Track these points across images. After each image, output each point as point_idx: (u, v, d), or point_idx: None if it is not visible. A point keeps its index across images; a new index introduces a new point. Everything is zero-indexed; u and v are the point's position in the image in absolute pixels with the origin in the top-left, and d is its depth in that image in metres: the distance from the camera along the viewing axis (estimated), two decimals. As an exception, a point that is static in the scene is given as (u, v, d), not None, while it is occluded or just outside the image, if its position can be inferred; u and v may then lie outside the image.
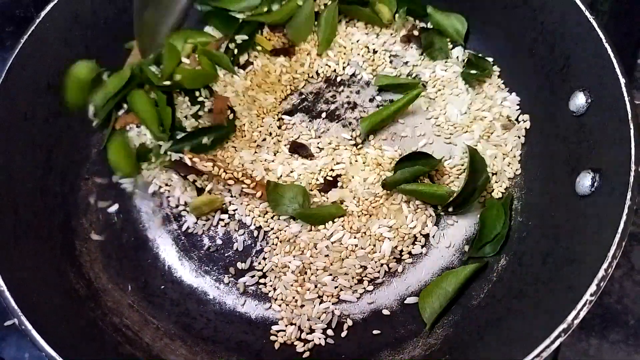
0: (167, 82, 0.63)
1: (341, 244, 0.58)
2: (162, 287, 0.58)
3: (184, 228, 0.61)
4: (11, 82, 0.55)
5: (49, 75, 0.59)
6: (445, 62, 0.66)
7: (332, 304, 0.56)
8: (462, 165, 0.60)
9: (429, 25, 0.69)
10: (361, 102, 0.66)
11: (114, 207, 0.61)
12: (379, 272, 0.57)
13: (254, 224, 0.60)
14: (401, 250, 0.58)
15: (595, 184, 0.48)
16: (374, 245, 0.57)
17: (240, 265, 0.59)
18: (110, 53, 0.65)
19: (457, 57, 0.66)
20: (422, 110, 0.64)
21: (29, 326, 0.43)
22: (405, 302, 0.56)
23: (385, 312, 0.56)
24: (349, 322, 0.55)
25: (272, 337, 0.55)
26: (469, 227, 0.59)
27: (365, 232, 0.58)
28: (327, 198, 0.60)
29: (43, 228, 0.55)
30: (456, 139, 0.62)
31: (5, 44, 0.76)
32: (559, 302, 0.43)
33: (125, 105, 0.64)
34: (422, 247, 0.58)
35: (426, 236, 0.58)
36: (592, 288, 0.42)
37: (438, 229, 0.59)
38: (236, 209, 0.61)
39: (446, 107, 0.64)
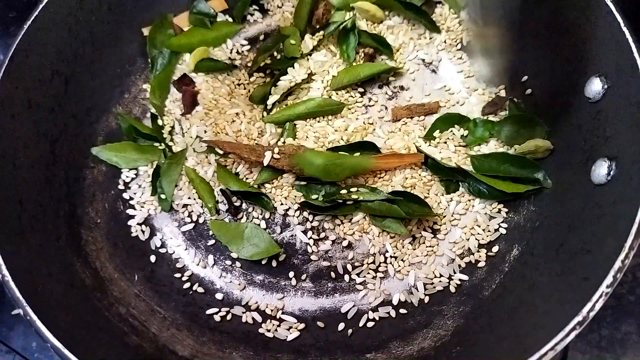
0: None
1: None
2: (169, 276, 0.58)
3: (191, 217, 0.61)
4: (15, 69, 0.54)
5: (53, 62, 0.59)
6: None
7: (340, 295, 0.56)
8: None
9: None
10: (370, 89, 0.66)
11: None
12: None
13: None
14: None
15: (611, 172, 0.47)
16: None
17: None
18: (114, 40, 0.65)
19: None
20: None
21: (34, 317, 0.43)
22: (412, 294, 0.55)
23: (395, 303, 0.55)
24: (360, 314, 0.55)
25: (281, 327, 0.55)
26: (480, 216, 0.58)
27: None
28: None
29: (48, 218, 0.55)
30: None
31: (8, 30, 0.75)
32: (574, 294, 0.42)
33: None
34: (433, 237, 0.57)
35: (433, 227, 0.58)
36: (609, 280, 0.41)
37: (447, 220, 0.58)
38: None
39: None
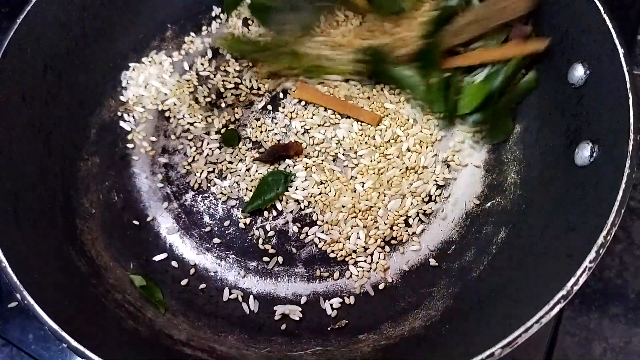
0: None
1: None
2: (164, 264, 0.59)
3: (184, 206, 0.62)
4: (7, 64, 0.55)
5: (46, 56, 0.59)
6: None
7: (335, 279, 0.57)
8: None
9: None
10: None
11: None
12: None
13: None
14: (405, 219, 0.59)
15: (594, 155, 0.49)
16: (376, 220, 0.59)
17: (240, 242, 0.60)
18: (107, 34, 0.65)
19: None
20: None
21: (32, 301, 0.43)
22: (404, 274, 0.57)
23: (387, 285, 0.56)
24: (351, 298, 0.56)
25: (274, 311, 0.56)
26: (469, 201, 0.59)
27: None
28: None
29: (44, 208, 0.55)
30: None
31: (0, 26, 0.75)
32: (559, 270, 0.43)
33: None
34: (421, 222, 0.59)
35: (425, 211, 0.59)
36: (592, 255, 0.42)
37: (438, 202, 0.59)
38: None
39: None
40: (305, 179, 0.61)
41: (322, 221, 0.59)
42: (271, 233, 0.59)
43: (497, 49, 0.60)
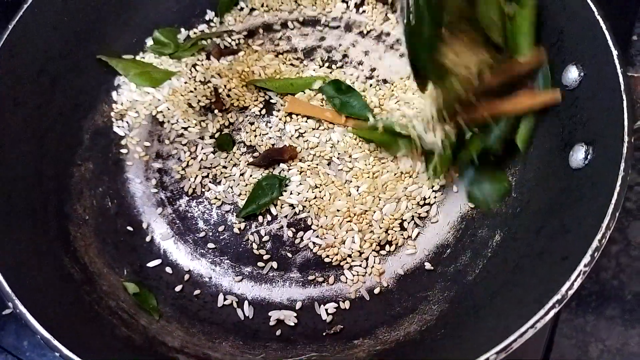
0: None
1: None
2: (158, 271, 0.58)
3: (178, 212, 0.61)
4: (0, 68, 0.54)
5: (39, 61, 0.59)
6: None
7: (330, 284, 0.57)
8: None
9: None
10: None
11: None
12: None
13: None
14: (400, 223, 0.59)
15: (588, 157, 0.48)
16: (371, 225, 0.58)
17: (235, 248, 0.59)
18: (100, 37, 0.65)
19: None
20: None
21: (23, 309, 0.43)
22: (399, 278, 0.57)
23: (382, 289, 0.56)
24: (346, 303, 0.56)
25: (269, 317, 0.55)
26: (464, 204, 0.59)
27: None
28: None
29: (37, 214, 0.55)
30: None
31: (-7, 30, 0.75)
32: (554, 274, 0.43)
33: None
34: (416, 226, 0.59)
35: (420, 214, 0.59)
36: (586, 259, 0.41)
37: (433, 206, 0.59)
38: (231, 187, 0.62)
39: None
40: (300, 183, 0.61)
41: (317, 225, 0.59)
42: (266, 238, 0.59)
43: (509, 101, 0.55)
